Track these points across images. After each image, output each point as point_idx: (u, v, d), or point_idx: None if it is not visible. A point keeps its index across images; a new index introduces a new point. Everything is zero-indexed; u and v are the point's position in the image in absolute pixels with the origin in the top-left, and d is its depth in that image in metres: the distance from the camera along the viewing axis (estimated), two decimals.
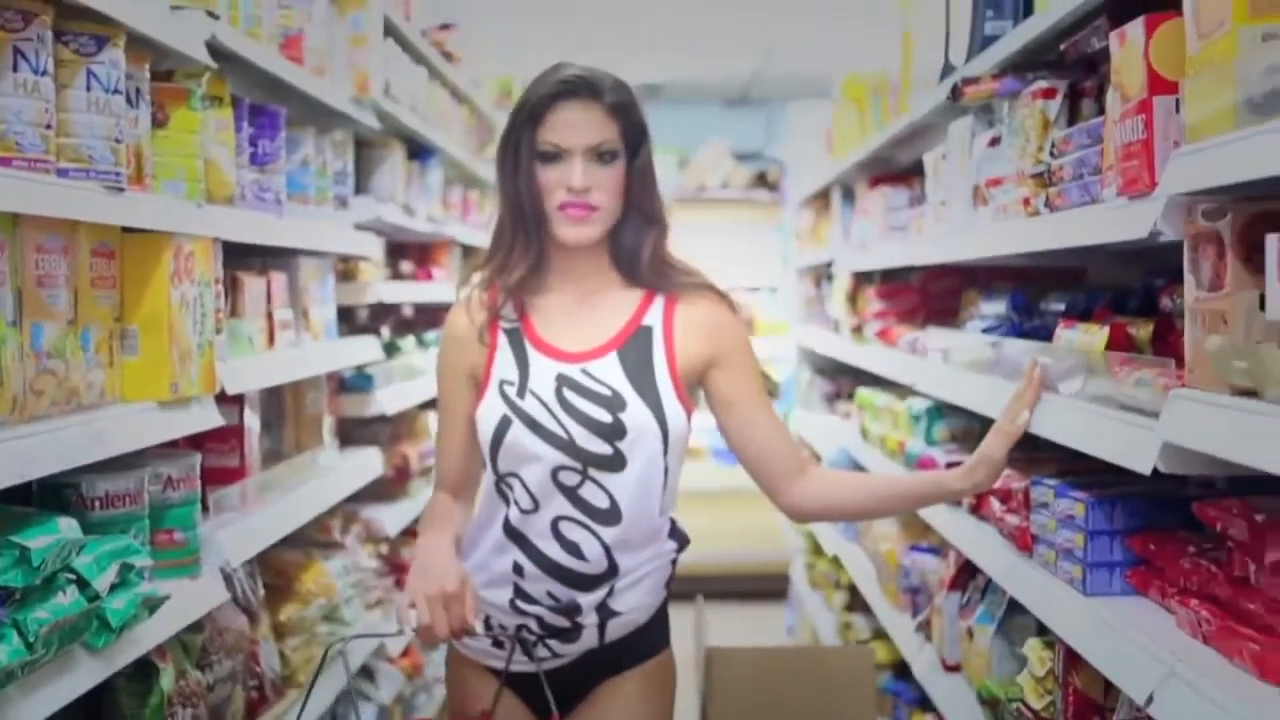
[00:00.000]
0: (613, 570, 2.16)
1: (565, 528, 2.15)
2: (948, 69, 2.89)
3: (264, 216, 2.65)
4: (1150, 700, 1.65)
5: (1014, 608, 2.54)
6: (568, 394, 2.15)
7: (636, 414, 2.13)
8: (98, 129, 1.90)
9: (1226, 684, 1.54)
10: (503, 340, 2.22)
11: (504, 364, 2.20)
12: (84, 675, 1.83)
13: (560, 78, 2.14)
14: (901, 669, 3.70)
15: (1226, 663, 1.60)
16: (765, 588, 7.21)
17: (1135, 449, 1.72)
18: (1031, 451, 2.58)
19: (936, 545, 3.31)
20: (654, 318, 2.22)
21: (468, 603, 1.97)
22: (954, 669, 2.97)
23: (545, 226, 2.17)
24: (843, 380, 5.24)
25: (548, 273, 2.23)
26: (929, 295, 3.82)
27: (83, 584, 1.80)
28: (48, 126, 1.78)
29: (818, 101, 5.96)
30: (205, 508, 2.47)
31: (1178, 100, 1.66)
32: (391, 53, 3.92)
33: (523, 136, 2.15)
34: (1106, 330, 2.00)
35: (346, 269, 3.72)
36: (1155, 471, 1.69)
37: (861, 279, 4.42)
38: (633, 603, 2.19)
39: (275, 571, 2.96)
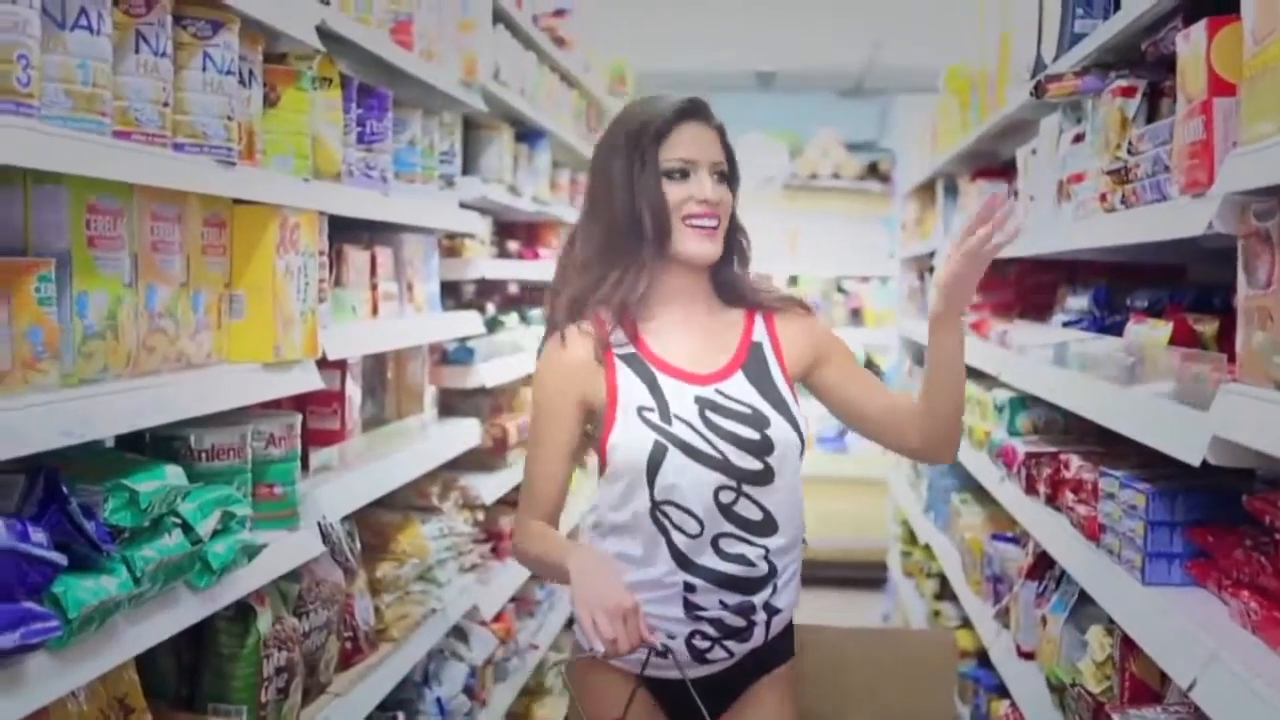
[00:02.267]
0: (773, 571, 2.22)
1: (726, 544, 2.20)
2: (1039, 65, 2.92)
3: (369, 193, 2.78)
4: (1193, 685, 1.70)
5: (1085, 597, 2.58)
6: (711, 416, 2.21)
7: (780, 428, 2.22)
8: (212, 107, 2.04)
9: (1267, 671, 1.58)
10: (621, 366, 2.25)
11: (632, 389, 2.23)
12: (186, 611, 1.97)
13: (678, 101, 2.26)
14: (984, 656, 3.73)
15: (1270, 652, 1.65)
16: (864, 575, 7.25)
17: (1186, 440, 1.77)
18: (1112, 445, 2.62)
19: (1017, 535, 3.35)
20: (761, 334, 2.32)
21: (641, 616, 2.02)
22: (1029, 656, 3.01)
23: (662, 245, 2.22)
24: None
25: (653, 295, 2.28)
26: (1024, 289, 3.86)
27: (187, 528, 1.94)
28: (165, 104, 1.91)
29: (928, 95, 5.97)
30: (306, 466, 2.61)
31: (1237, 102, 1.70)
32: (501, 38, 4.04)
33: (645, 155, 2.21)
34: (1170, 326, 2.03)
35: (452, 246, 3.86)
36: (1221, 466, 1.73)
37: None
38: (788, 599, 2.27)
39: (373, 531, 3.10)
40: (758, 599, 2.21)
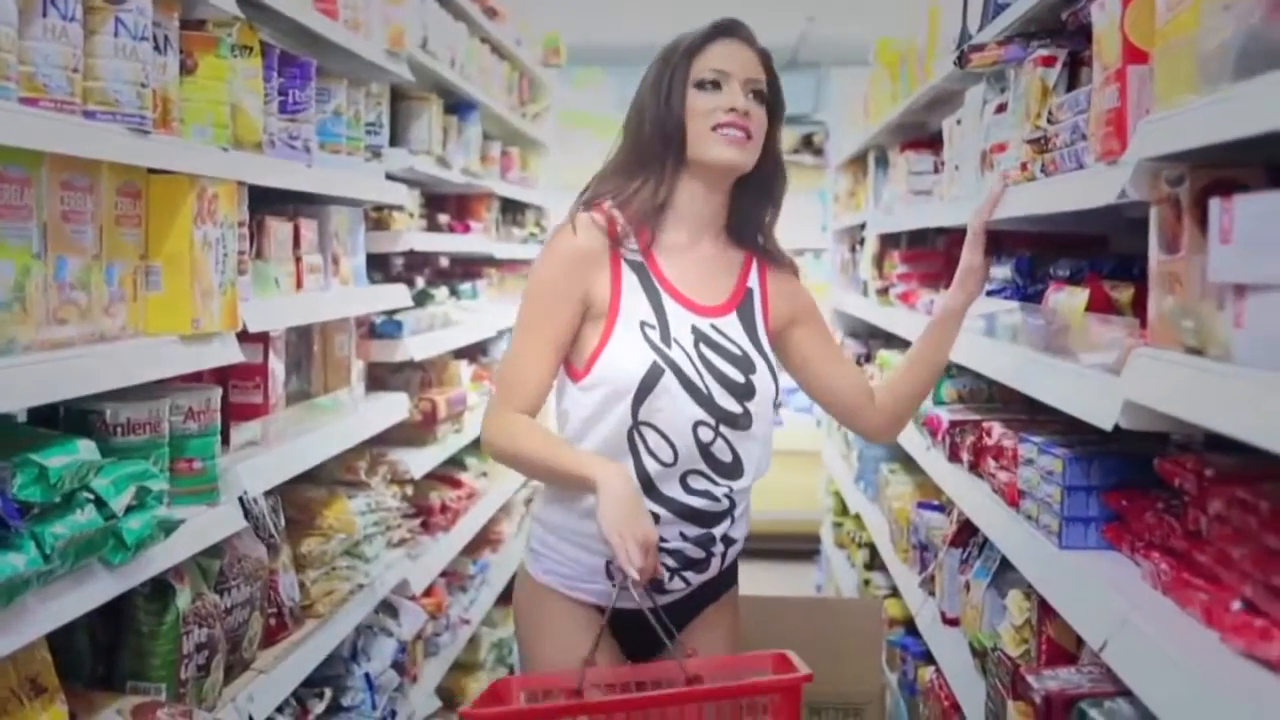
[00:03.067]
0: (732, 505, 2.25)
1: (693, 480, 2.21)
2: (964, 37, 2.93)
3: (291, 163, 2.75)
4: (1104, 646, 1.72)
5: (1006, 563, 2.61)
6: (704, 350, 2.21)
7: (763, 376, 2.24)
8: (124, 74, 2.00)
9: (1176, 632, 1.61)
10: (628, 273, 2.23)
11: (635, 300, 2.21)
12: (100, 588, 1.94)
13: (716, 21, 2.28)
14: (912, 624, 3.77)
15: (1180, 612, 1.67)
16: (798, 547, 7.29)
17: (1100, 405, 1.79)
18: (1034, 413, 2.65)
19: (942, 503, 3.38)
20: (754, 281, 2.33)
21: (657, 553, 2.08)
22: (953, 622, 3.05)
23: (684, 155, 2.21)
24: (872, 343, 5.30)
25: (669, 213, 2.27)
26: (952, 259, 3.85)
27: (100, 503, 1.91)
28: (75, 70, 1.88)
29: (861, 67, 5.99)
30: (228, 441, 2.58)
31: (1150, 70, 1.71)
32: (429, 8, 4.00)
33: (677, 70, 2.22)
34: (1088, 292, 2.05)
35: (380, 218, 3.82)
36: (1136, 431, 1.75)
37: (888, 242, 4.47)
38: (742, 531, 2.31)
39: (298, 506, 3.08)
40: (717, 531, 2.24)
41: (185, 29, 2.27)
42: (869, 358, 5.24)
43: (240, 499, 2.47)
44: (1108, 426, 1.75)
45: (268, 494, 2.78)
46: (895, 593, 4.15)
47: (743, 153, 2.21)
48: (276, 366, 2.85)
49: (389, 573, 3.41)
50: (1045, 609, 2.21)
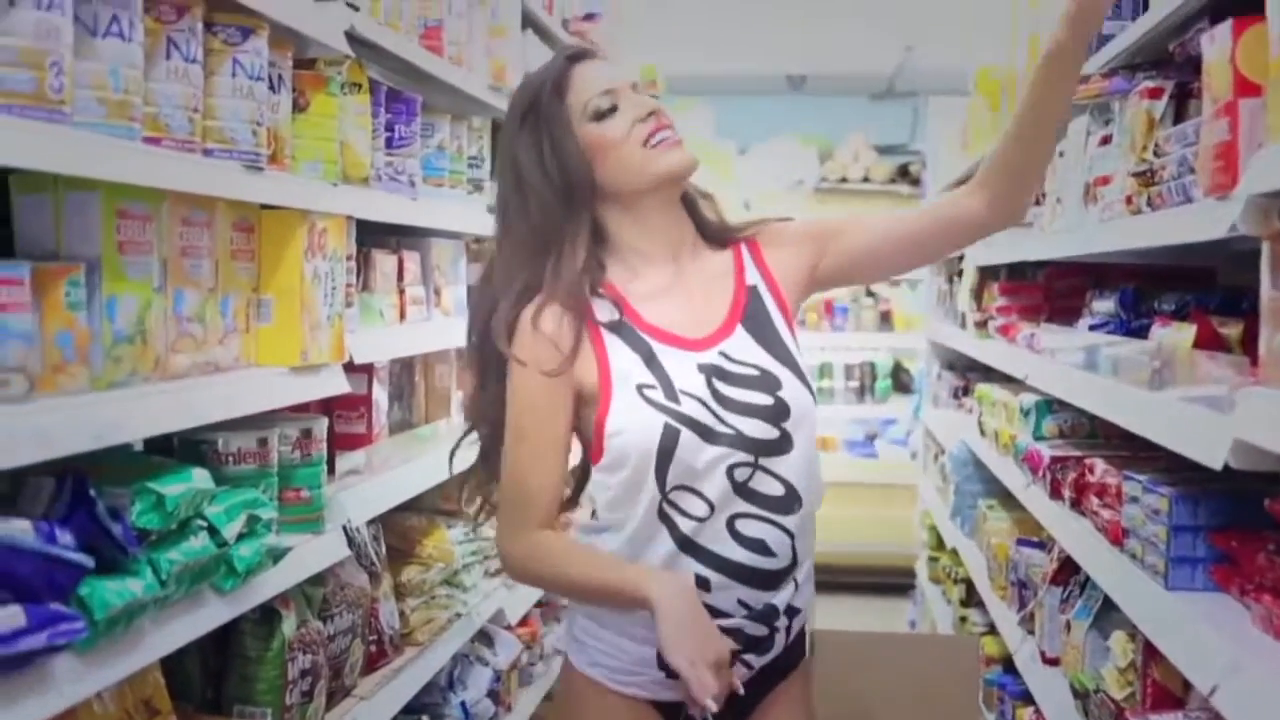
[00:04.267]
0: (795, 561, 2.01)
1: (743, 525, 1.97)
2: None
3: (396, 197, 2.80)
4: (1214, 691, 1.69)
5: (1109, 602, 2.57)
6: (719, 385, 1.96)
7: (792, 388, 1.99)
8: (241, 113, 2.06)
9: None
10: (610, 338, 1.99)
11: (626, 364, 1.97)
12: (212, 614, 1.99)
13: (564, 52, 2.07)
14: (1010, 663, 3.72)
15: None
16: (892, 582, 7.23)
17: (1208, 443, 1.76)
18: (1137, 450, 2.61)
19: (1042, 540, 3.34)
20: (754, 275, 2.09)
21: (729, 666, 1.86)
22: (1053, 662, 3.00)
23: (614, 202, 2.02)
24: (970, 376, 5.25)
25: (634, 252, 2.05)
26: (1052, 292, 3.84)
27: (213, 531, 1.96)
28: (195, 110, 1.94)
29: (958, 97, 5.96)
30: (332, 470, 2.63)
31: (1263, 103, 1.69)
32: (530, 42, 4.06)
33: (551, 117, 1.99)
34: (1195, 328, 2.03)
35: (480, 249, 3.87)
36: (1245, 470, 1.72)
37: (987, 274, 4.43)
38: (807, 598, 2.07)
39: (398, 535, 3.12)
40: (779, 599, 2.00)
41: (298, 68, 2.33)
42: (966, 390, 5.19)
43: (344, 528, 2.51)
44: (1217, 465, 1.73)
45: (370, 523, 2.82)
46: (992, 630, 4.10)
47: (685, 152, 2.00)
48: (380, 397, 2.90)
49: (486, 602, 3.44)
50: (1151, 651, 2.18)
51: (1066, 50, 1.93)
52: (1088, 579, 2.77)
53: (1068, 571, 2.95)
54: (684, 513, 1.96)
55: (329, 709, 2.50)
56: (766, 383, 1.98)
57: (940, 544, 5.60)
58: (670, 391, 1.94)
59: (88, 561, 1.64)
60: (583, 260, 1.99)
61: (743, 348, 2.01)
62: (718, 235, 2.12)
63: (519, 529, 2.03)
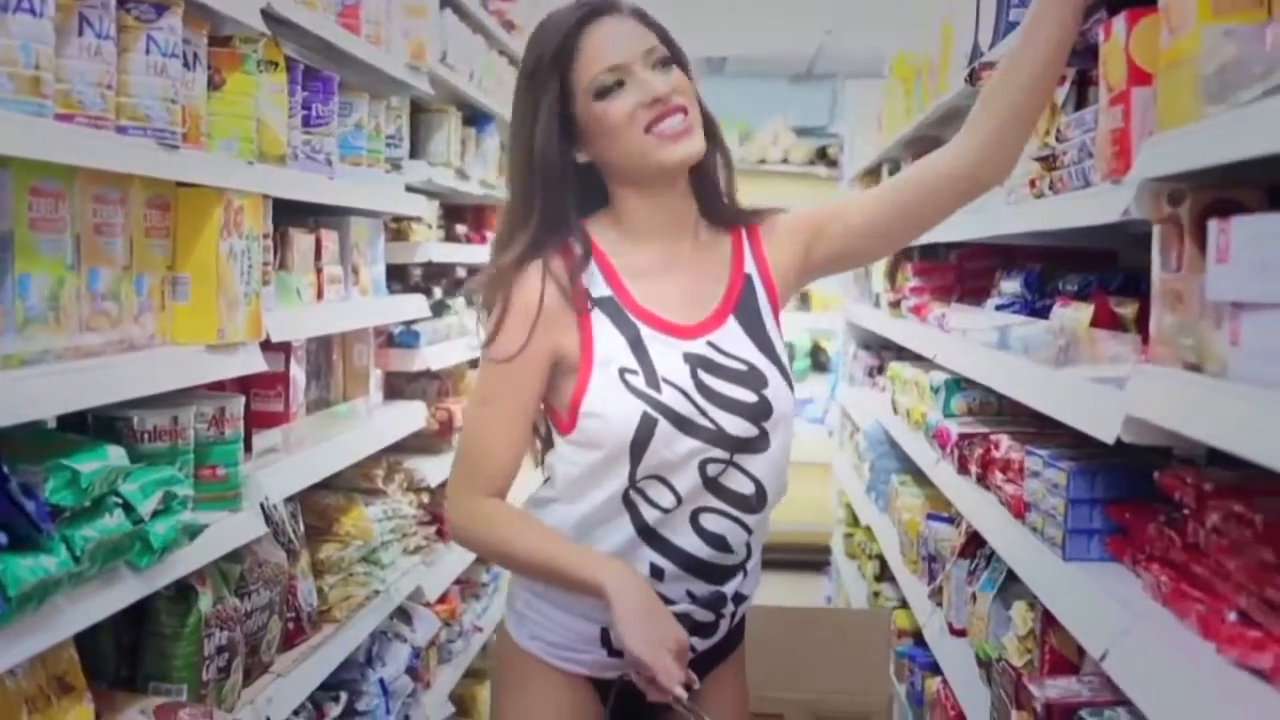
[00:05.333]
0: (749, 555, 2.00)
1: (706, 520, 1.93)
2: (976, 53, 2.98)
3: (314, 176, 2.80)
4: (1105, 655, 1.76)
5: (1013, 575, 2.65)
6: (704, 376, 1.90)
7: (777, 387, 1.94)
8: (155, 90, 2.05)
9: (1173, 643, 1.64)
10: (596, 313, 1.92)
11: (610, 345, 1.90)
12: (126, 591, 1.99)
13: (578, 7, 1.93)
14: (920, 636, 3.80)
15: (1178, 623, 1.71)
16: (808, 558, 7.32)
17: (1102, 419, 1.82)
18: (1043, 427, 2.69)
19: (951, 515, 3.42)
20: (750, 264, 2.03)
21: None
22: (960, 633, 3.08)
23: (620, 181, 1.95)
24: (884, 355, 5.34)
25: (632, 230, 1.98)
26: (964, 273, 3.92)
27: (128, 508, 1.96)
28: (108, 87, 1.93)
29: (876, 80, 6.04)
30: (250, 448, 2.63)
31: (1154, 91, 1.75)
32: (449, 21, 4.06)
33: (546, 94, 1.89)
34: (1093, 308, 2.10)
35: (399, 229, 3.88)
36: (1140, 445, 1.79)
37: (901, 255, 4.51)
38: (754, 585, 2.07)
39: (316, 513, 3.13)
40: (728, 588, 1.98)
41: (213, 45, 2.33)
42: (881, 369, 5.28)
43: (261, 505, 2.52)
44: (1110, 440, 1.79)
45: (287, 500, 2.83)
46: (904, 604, 4.18)
47: (692, 141, 1.89)
48: (298, 375, 2.90)
49: (404, 579, 3.46)
50: (1049, 619, 2.25)
51: None
52: (993, 552, 2.84)
53: (974, 545, 3.03)
54: (650, 502, 1.91)
55: (246, 685, 2.51)
56: (752, 379, 1.93)
57: (855, 520, 5.70)
58: (652, 379, 1.88)
59: (0, 538, 1.64)
60: (570, 232, 1.93)
61: (732, 340, 1.95)
62: (723, 217, 2.04)
63: (469, 493, 1.97)
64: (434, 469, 3.87)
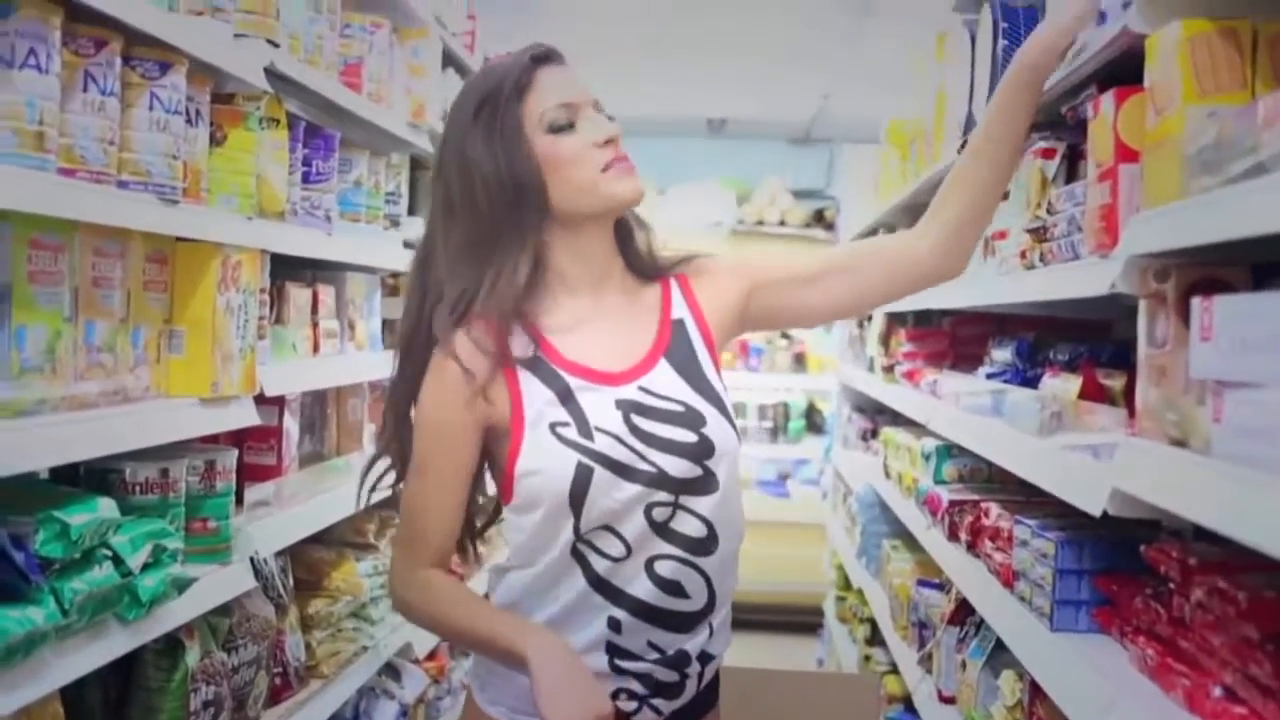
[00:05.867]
0: (711, 603, 1.92)
1: (661, 567, 1.88)
2: (969, 123, 3.01)
3: (312, 232, 2.83)
4: None
5: (1002, 643, 2.65)
6: (638, 421, 1.87)
7: (717, 425, 1.90)
8: (157, 146, 2.08)
9: (1160, 717, 1.65)
10: (524, 375, 1.89)
11: (538, 402, 1.87)
12: (114, 643, 2.00)
13: (529, 50, 1.93)
14: (911, 702, 3.79)
15: (1164, 697, 1.71)
16: (801, 620, 7.30)
17: (1089, 492, 1.84)
18: (1032, 495, 2.70)
19: (941, 581, 3.42)
20: (681, 309, 2.00)
21: None
22: (949, 700, 3.08)
23: (554, 221, 1.91)
24: (878, 419, 5.35)
25: (556, 284, 1.95)
26: (957, 339, 3.95)
27: (118, 560, 1.97)
28: (111, 142, 1.96)
29: (872, 145, 6.10)
30: (241, 501, 2.64)
31: (1141, 169, 1.78)
32: (451, 81, 4.10)
33: (508, 118, 1.87)
34: (1081, 380, 2.11)
35: (396, 284, 3.89)
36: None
37: (895, 320, 4.54)
38: (723, 644, 1.98)
39: (307, 567, 3.13)
40: (692, 645, 1.91)
41: (216, 102, 2.36)
42: (874, 433, 5.29)
43: (251, 559, 2.52)
44: (1096, 512, 1.80)
45: (278, 554, 2.83)
46: (895, 669, 4.17)
47: (638, 180, 1.92)
48: (291, 429, 2.91)
49: (393, 636, 3.45)
50: (1036, 690, 2.25)
51: (1041, 69, 1.93)
52: (982, 620, 2.84)
53: (964, 612, 3.03)
54: (599, 552, 1.87)
55: None
56: (689, 419, 1.89)
57: (847, 583, 5.69)
58: (584, 428, 1.85)
59: None
60: (523, 280, 1.88)
61: (665, 382, 1.92)
62: (647, 269, 2.02)
63: (410, 563, 1.95)
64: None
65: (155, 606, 2.07)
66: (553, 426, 1.85)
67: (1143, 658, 1.81)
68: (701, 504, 1.89)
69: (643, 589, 1.87)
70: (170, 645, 2.27)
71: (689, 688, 1.94)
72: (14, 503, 1.84)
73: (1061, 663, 1.99)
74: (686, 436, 1.88)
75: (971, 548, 2.77)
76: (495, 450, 1.92)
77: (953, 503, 2.98)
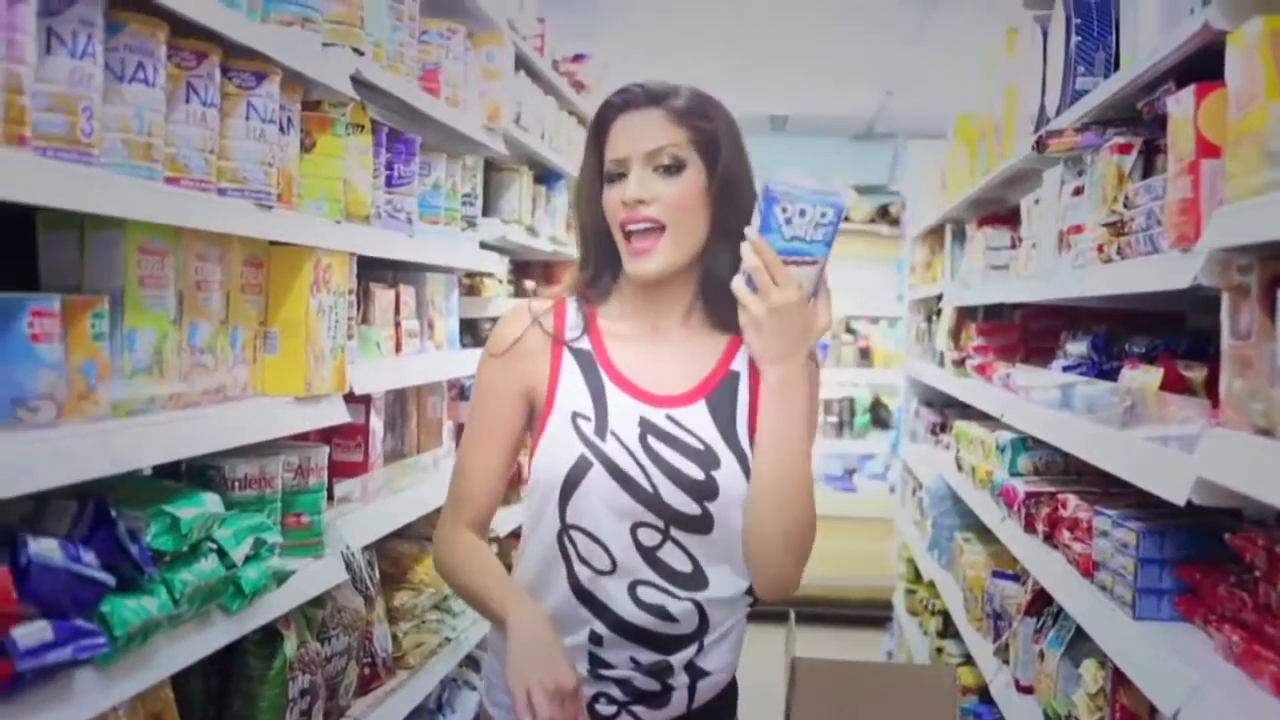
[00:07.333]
0: (704, 627, 1.91)
1: (645, 593, 1.89)
2: (1042, 119, 3.03)
3: (395, 234, 2.90)
4: (1177, 715, 1.79)
5: (1080, 632, 2.67)
6: (653, 442, 1.89)
7: (730, 474, 1.88)
8: (254, 154, 2.15)
9: (1246, 702, 1.67)
10: (569, 361, 1.95)
11: (573, 391, 1.93)
12: (219, 633, 2.07)
13: (612, 95, 1.97)
14: (985, 693, 3.80)
15: (1250, 682, 1.74)
16: (869, 614, 7.31)
17: (1173, 481, 1.86)
18: (1109, 486, 2.72)
19: (1017, 573, 3.44)
20: (741, 363, 1.97)
21: (580, 699, 1.76)
22: (1027, 690, 3.09)
23: (615, 255, 1.97)
24: (947, 412, 5.36)
25: (627, 299, 2.01)
26: (1028, 333, 3.95)
27: (222, 553, 2.04)
28: (211, 151, 2.03)
29: (938, 140, 6.10)
30: (331, 497, 2.71)
31: (1222, 163, 1.80)
32: (523, 84, 4.17)
33: (588, 162, 1.99)
34: (1162, 371, 2.13)
35: (472, 284, 3.97)
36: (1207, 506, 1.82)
37: (965, 314, 4.55)
38: (721, 661, 1.95)
39: (391, 560, 3.20)
40: (677, 658, 1.90)
41: (305, 109, 2.43)
42: (944, 426, 5.30)
43: (341, 553, 2.59)
44: (1180, 502, 1.83)
45: (364, 548, 2.90)
46: (968, 660, 4.18)
47: (648, 261, 1.90)
48: (377, 426, 2.98)
49: (474, 628, 3.51)
50: (1119, 678, 2.27)
51: (774, 389, 1.86)
52: (1060, 610, 2.86)
53: (1041, 602, 3.05)
54: (584, 560, 1.89)
55: None
56: (705, 458, 1.89)
57: (917, 576, 5.70)
58: (601, 428, 1.89)
59: (109, 579, 1.72)
60: (606, 285, 2.00)
61: (695, 419, 1.92)
62: (728, 323, 1.93)
63: (451, 523, 2.00)
64: (504, 519, 3.93)
65: (257, 598, 2.14)
66: (574, 416, 1.90)
67: (1228, 644, 1.83)
68: (693, 542, 1.89)
69: (624, 609, 1.89)
70: (269, 635, 2.34)
71: (675, 699, 1.92)
72: (125, 498, 1.91)
73: (1145, 650, 2.01)
74: (695, 473, 1.88)
75: (1049, 539, 2.79)
76: (532, 428, 1.98)
77: (1029, 494, 3.00)
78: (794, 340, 1.83)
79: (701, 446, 1.89)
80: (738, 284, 1.83)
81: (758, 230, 1.81)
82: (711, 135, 1.93)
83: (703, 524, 1.88)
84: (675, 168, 1.90)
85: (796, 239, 1.81)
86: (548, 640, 1.79)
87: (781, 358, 1.83)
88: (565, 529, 1.89)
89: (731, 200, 1.92)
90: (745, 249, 1.81)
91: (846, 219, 9.41)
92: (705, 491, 1.88)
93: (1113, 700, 2.31)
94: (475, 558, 1.96)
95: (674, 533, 1.88)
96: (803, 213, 1.80)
